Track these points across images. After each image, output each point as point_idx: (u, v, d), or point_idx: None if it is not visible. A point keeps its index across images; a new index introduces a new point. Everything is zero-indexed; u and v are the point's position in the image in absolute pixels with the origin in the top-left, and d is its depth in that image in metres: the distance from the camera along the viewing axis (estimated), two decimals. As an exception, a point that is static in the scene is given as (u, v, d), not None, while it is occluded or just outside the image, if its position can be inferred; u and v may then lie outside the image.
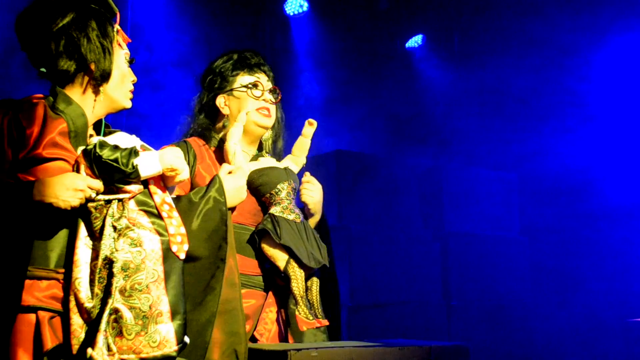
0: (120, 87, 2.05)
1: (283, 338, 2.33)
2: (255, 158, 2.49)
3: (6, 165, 1.87)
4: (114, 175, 1.85)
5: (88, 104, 2.01)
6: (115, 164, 1.84)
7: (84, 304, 1.81)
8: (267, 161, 2.45)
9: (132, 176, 1.85)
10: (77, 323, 1.81)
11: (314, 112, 6.31)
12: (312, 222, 2.51)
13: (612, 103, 5.90)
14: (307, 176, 2.53)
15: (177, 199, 2.08)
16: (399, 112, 6.70)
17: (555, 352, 5.58)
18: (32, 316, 1.84)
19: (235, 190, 2.17)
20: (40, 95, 1.99)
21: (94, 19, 1.99)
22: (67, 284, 1.85)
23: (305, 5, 6.42)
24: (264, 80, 2.51)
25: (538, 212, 6.10)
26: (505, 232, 5.76)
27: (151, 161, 1.88)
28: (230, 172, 2.20)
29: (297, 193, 2.45)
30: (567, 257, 5.96)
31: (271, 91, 2.52)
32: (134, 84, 2.10)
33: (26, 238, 1.86)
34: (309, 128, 2.47)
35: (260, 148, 2.58)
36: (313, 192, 2.49)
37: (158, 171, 1.90)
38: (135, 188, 1.88)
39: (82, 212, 1.86)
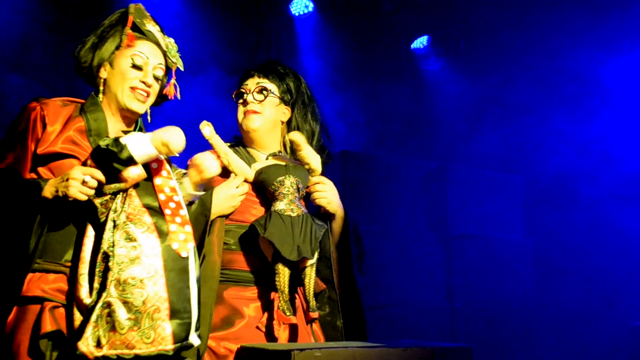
0: (120, 84, 2.12)
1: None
2: (267, 158, 2.51)
3: (28, 160, 1.99)
4: (109, 159, 1.87)
5: (107, 106, 2.14)
6: (107, 147, 1.87)
7: (83, 299, 1.84)
8: (276, 159, 2.47)
9: (122, 155, 1.87)
10: (79, 318, 1.85)
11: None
12: (336, 225, 2.51)
13: (618, 105, 5.89)
14: (317, 177, 2.49)
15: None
16: (404, 113, 6.70)
17: (559, 355, 5.57)
18: (37, 307, 1.91)
19: (224, 199, 2.32)
20: (81, 100, 2.16)
21: (113, 30, 2.16)
22: (72, 278, 1.89)
23: (311, 5, 6.42)
24: (252, 84, 2.55)
25: (542, 214, 6.09)
26: (509, 234, 5.75)
27: (141, 139, 1.92)
28: (230, 181, 2.36)
29: (304, 189, 2.43)
30: (571, 259, 5.95)
31: (259, 91, 2.54)
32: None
33: (37, 231, 1.94)
34: (295, 144, 2.45)
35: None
36: (326, 192, 2.48)
37: (151, 149, 1.92)
38: (133, 174, 1.90)
39: (89, 208, 1.89)
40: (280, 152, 2.53)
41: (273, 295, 2.31)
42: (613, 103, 5.89)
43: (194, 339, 1.88)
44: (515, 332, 5.46)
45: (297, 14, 6.48)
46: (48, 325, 1.86)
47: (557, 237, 6.02)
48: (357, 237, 2.66)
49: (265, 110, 2.52)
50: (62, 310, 1.91)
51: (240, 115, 2.56)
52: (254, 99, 2.53)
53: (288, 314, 2.24)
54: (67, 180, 1.86)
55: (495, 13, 6.10)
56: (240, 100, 2.57)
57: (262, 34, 6.36)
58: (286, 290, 2.26)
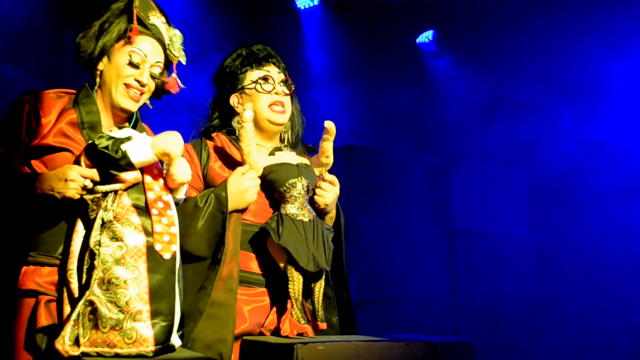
0: (114, 80, 2.06)
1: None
2: (272, 152, 2.40)
3: (21, 154, 1.95)
4: (106, 162, 1.85)
5: (101, 99, 2.09)
6: (105, 151, 1.84)
7: (74, 294, 1.84)
8: (283, 156, 2.35)
9: (121, 162, 1.84)
10: (68, 311, 1.84)
11: (323, 107, 6.31)
12: (328, 217, 2.44)
13: (624, 102, 5.87)
14: (329, 176, 2.39)
15: (185, 200, 2.12)
16: (409, 107, 6.69)
17: (562, 350, 5.57)
18: (33, 300, 1.91)
19: (239, 194, 2.21)
20: (73, 91, 2.10)
21: (113, 22, 2.09)
22: (62, 273, 1.89)
23: (316, -1, 6.42)
24: (274, 73, 2.43)
25: (547, 210, 6.08)
26: (513, 230, 5.75)
27: (142, 147, 1.86)
28: (243, 174, 2.23)
29: (312, 190, 2.35)
30: (575, 255, 5.94)
31: (283, 82, 2.44)
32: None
33: (31, 226, 1.94)
34: (328, 131, 2.33)
35: (282, 140, 2.49)
36: (328, 192, 2.37)
37: (151, 157, 1.88)
38: (130, 177, 1.87)
39: (81, 204, 1.88)
40: (286, 145, 2.45)
41: (283, 300, 2.24)
42: (619, 100, 5.88)
43: (175, 341, 1.87)
44: (518, 328, 5.46)
45: (302, 8, 6.47)
46: (43, 320, 1.86)
47: (561, 233, 6.01)
48: (345, 234, 2.59)
49: (287, 105, 2.43)
50: (55, 303, 1.91)
51: (264, 103, 2.39)
52: (283, 91, 2.42)
53: (303, 322, 2.18)
54: (66, 181, 1.84)
55: (501, 9, 6.08)
56: (268, 88, 2.41)
57: (268, 27, 6.35)
58: (300, 297, 2.19)
